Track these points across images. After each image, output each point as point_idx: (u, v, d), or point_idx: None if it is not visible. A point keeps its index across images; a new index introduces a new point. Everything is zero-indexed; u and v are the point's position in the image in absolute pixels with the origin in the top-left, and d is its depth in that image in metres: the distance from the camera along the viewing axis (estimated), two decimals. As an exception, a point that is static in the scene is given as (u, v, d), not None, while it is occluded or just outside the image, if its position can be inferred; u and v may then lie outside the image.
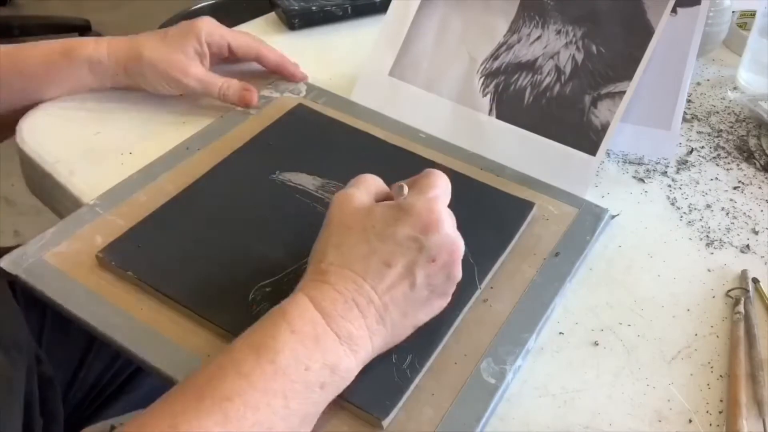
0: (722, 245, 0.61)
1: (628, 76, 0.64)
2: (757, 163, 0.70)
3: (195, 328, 0.51)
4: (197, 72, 0.69)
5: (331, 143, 0.67)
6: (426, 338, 0.50)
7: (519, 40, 0.69)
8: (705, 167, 0.69)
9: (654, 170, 0.68)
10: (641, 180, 0.68)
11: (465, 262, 0.55)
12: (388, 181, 0.51)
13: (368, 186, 0.50)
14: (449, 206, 0.49)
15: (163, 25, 1.07)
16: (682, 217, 0.64)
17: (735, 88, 0.80)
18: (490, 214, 0.60)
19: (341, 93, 0.74)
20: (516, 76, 0.68)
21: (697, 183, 0.67)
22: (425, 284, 0.46)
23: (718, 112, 0.77)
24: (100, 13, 2.41)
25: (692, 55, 0.66)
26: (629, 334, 0.53)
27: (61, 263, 0.55)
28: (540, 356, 0.52)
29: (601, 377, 0.51)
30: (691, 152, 0.71)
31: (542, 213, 0.61)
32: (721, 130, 0.74)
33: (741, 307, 0.54)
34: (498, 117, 0.68)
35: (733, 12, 0.83)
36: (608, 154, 0.70)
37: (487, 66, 0.69)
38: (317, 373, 0.42)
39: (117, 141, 0.69)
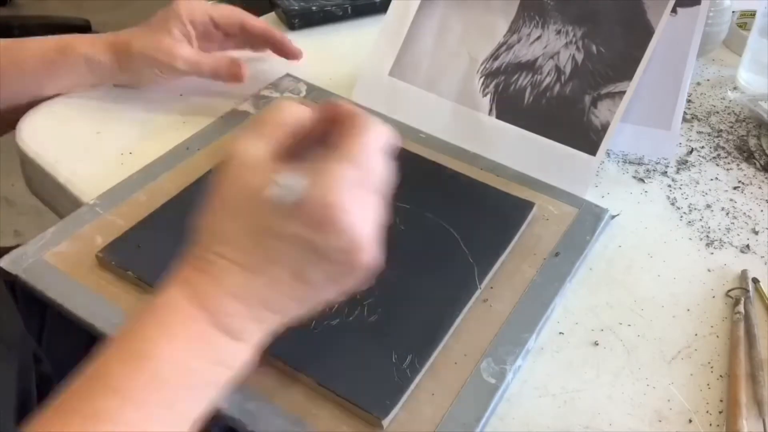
0: (722, 245, 0.61)
1: (628, 76, 0.64)
2: (757, 163, 0.70)
3: (195, 328, 0.51)
4: (185, 53, 0.69)
5: (331, 143, 0.67)
6: (426, 338, 0.50)
7: (519, 40, 0.69)
8: (705, 167, 0.69)
9: (654, 170, 0.69)
10: (641, 180, 0.68)
11: (465, 262, 0.55)
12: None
13: (270, 135, 0.41)
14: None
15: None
16: (682, 217, 0.64)
17: (735, 88, 0.80)
18: (490, 214, 0.60)
19: (341, 93, 0.74)
20: (516, 76, 0.68)
21: (697, 183, 0.67)
22: (321, 279, 0.41)
23: (718, 112, 0.77)
24: (100, 13, 2.41)
25: (692, 55, 0.66)
26: (629, 334, 0.53)
27: (61, 263, 0.55)
28: (540, 356, 0.52)
29: (601, 377, 0.51)
30: (691, 152, 0.71)
31: (542, 213, 0.61)
32: (721, 130, 0.74)
33: (741, 307, 0.54)
34: (498, 117, 0.68)
35: (733, 12, 0.83)
36: (608, 154, 0.70)
37: (487, 66, 0.69)
38: (206, 372, 0.39)
39: (117, 141, 0.69)
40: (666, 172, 0.68)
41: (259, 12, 0.90)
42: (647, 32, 0.64)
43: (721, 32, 0.83)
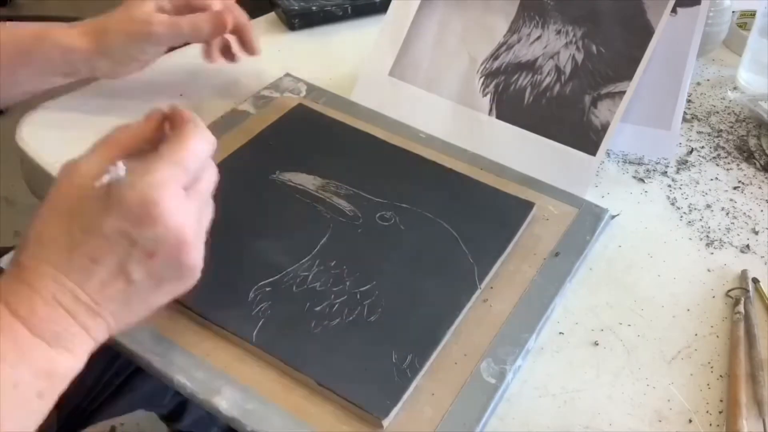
0: (722, 245, 0.61)
1: (628, 76, 0.64)
2: (757, 163, 0.70)
3: (195, 328, 0.51)
4: (161, 18, 0.66)
5: (331, 143, 0.67)
6: (426, 338, 0.50)
7: (519, 40, 0.69)
8: (705, 167, 0.69)
9: (654, 170, 0.69)
10: (641, 180, 0.68)
11: (465, 262, 0.55)
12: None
13: (105, 149, 0.42)
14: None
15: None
16: (682, 217, 0.64)
17: (735, 88, 0.80)
18: (490, 214, 0.60)
19: (341, 93, 0.74)
20: (516, 76, 0.68)
21: (697, 183, 0.67)
22: (147, 278, 0.41)
23: (718, 112, 0.77)
24: (100, 14, 2.41)
25: (692, 55, 0.66)
26: (629, 334, 0.53)
27: (61, 263, 0.55)
28: (540, 356, 0.52)
29: (601, 377, 0.51)
30: (691, 152, 0.71)
31: (542, 213, 0.61)
32: (721, 130, 0.74)
33: (741, 307, 0.54)
34: (498, 117, 0.68)
35: (733, 12, 0.83)
36: (608, 154, 0.70)
37: (487, 66, 0.69)
38: (30, 385, 0.38)
39: (117, 141, 0.69)
40: (666, 172, 0.68)
41: (259, 12, 0.90)
42: (647, 32, 0.64)
43: (721, 32, 0.83)
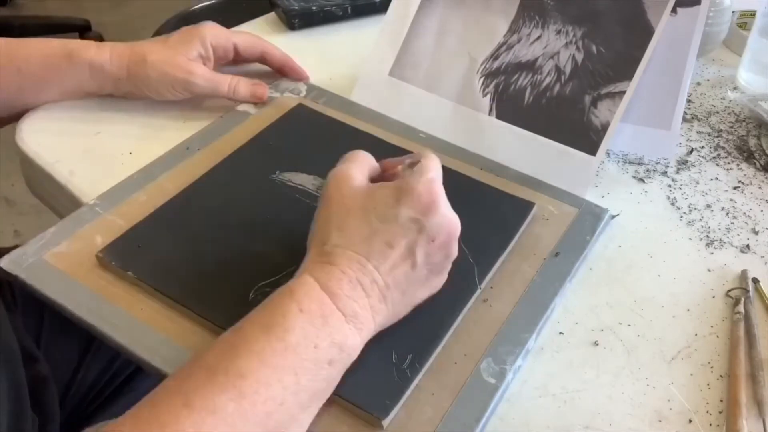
0: (722, 245, 0.61)
1: (628, 76, 0.64)
2: (757, 163, 0.70)
3: (195, 328, 0.52)
4: (203, 71, 0.69)
5: (331, 143, 0.67)
6: (426, 338, 0.50)
7: (519, 40, 0.69)
8: (705, 167, 0.69)
9: (654, 170, 0.69)
10: (641, 180, 0.68)
11: (465, 262, 0.55)
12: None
13: (362, 163, 0.51)
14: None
15: (163, 25, 1.07)
16: (682, 217, 0.64)
17: (735, 88, 0.80)
18: (490, 214, 0.60)
19: (341, 93, 0.74)
20: (516, 76, 0.68)
21: (697, 183, 0.67)
22: (425, 263, 0.48)
23: (718, 112, 0.77)
24: (100, 13, 2.41)
25: (692, 55, 0.66)
26: (629, 334, 0.53)
27: (61, 263, 0.55)
28: (540, 356, 0.52)
29: (601, 377, 0.51)
30: (691, 152, 0.71)
31: (542, 213, 0.61)
32: (721, 130, 0.74)
33: (741, 307, 0.54)
34: (498, 117, 0.68)
35: (733, 12, 0.83)
36: (608, 154, 0.70)
37: (487, 66, 0.69)
38: (326, 351, 0.43)
39: (117, 141, 0.69)
40: (666, 172, 0.68)
41: (259, 12, 0.91)
42: (647, 32, 0.64)
43: (721, 32, 0.83)
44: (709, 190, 0.67)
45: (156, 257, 0.55)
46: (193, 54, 0.69)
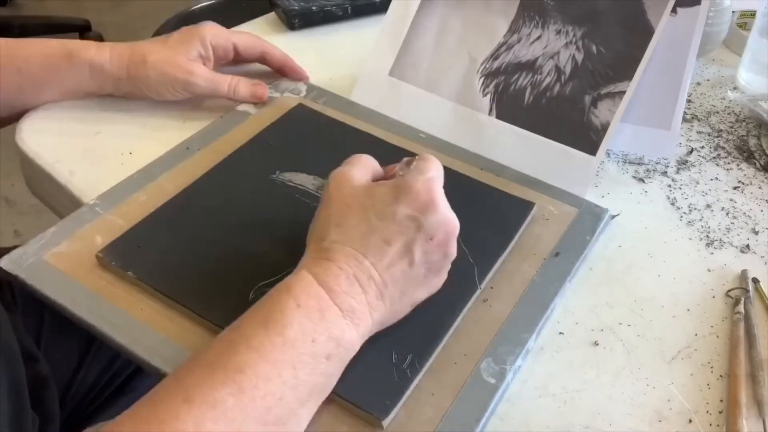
0: (722, 245, 0.61)
1: (628, 76, 0.64)
2: (757, 163, 0.70)
3: (195, 328, 0.52)
4: (203, 72, 0.69)
5: (331, 143, 0.67)
6: (426, 338, 0.50)
7: (519, 40, 0.69)
8: (705, 167, 0.69)
9: (654, 170, 0.69)
10: (641, 180, 0.68)
11: (465, 262, 0.55)
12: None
13: (365, 166, 0.51)
14: (449, 204, 0.49)
15: (163, 25, 1.07)
16: (682, 217, 0.64)
17: (735, 88, 0.80)
18: (490, 214, 0.60)
19: (341, 93, 0.74)
20: (516, 76, 0.68)
21: (697, 183, 0.67)
22: (423, 262, 0.48)
23: (718, 112, 0.77)
24: (100, 13, 2.41)
25: (692, 55, 0.66)
26: (629, 334, 0.53)
27: (61, 263, 0.55)
28: (540, 356, 0.52)
29: (601, 377, 0.51)
30: (691, 152, 0.71)
31: (542, 213, 0.61)
32: (721, 130, 0.74)
33: (741, 307, 0.54)
34: (498, 117, 0.68)
35: (733, 12, 0.83)
36: (608, 154, 0.70)
37: (487, 66, 0.69)
38: (323, 345, 0.43)
39: (117, 141, 0.69)
40: (666, 172, 0.68)
41: (259, 12, 0.91)
42: (647, 32, 0.64)
43: (721, 32, 0.83)
44: (709, 190, 0.67)
45: (156, 257, 0.55)
46: (193, 54, 0.69)
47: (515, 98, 0.68)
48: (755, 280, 0.57)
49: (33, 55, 0.68)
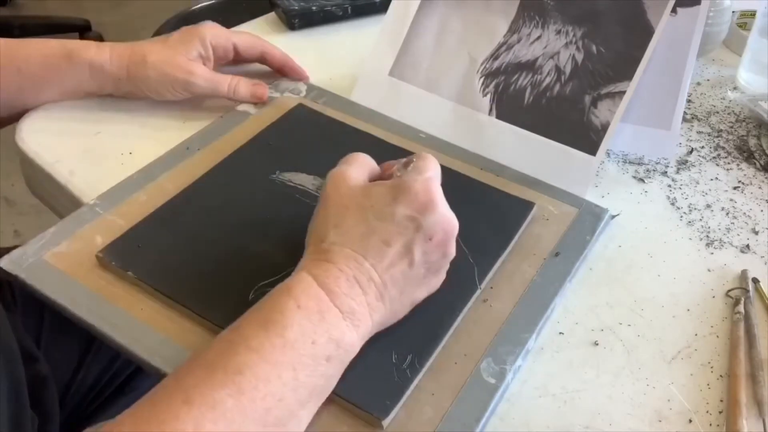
0: (722, 245, 0.61)
1: (628, 76, 0.64)
2: (757, 163, 0.70)
3: (195, 328, 0.52)
4: (203, 72, 0.69)
5: (331, 143, 0.67)
6: (426, 338, 0.50)
7: (519, 40, 0.69)
8: (705, 167, 0.69)
9: (654, 170, 0.69)
10: (641, 180, 0.68)
11: (465, 262, 0.55)
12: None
13: (361, 165, 0.51)
14: (449, 206, 0.49)
15: (163, 25, 1.07)
16: (682, 217, 0.64)
17: (735, 88, 0.80)
18: (490, 214, 0.60)
19: (341, 93, 0.74)
20: (516, 76, 0.68)
21: (697, 183, 0.67)
22: (422, 262, 0.48)
23: (718, 112, 0.77)
24: (100, 13, 2.41)
25: (692, 55, 0.66)
26: (629, 334, 0.53)
27: (61, 263, 0.55)
28: (540, 356, 0.52)
29: (601, 377, 0.51)
30: (691, 152, 0.71)
31: (542, 213, 0.61)
32: (721, 130, 0.74)
33: (741, 307, 0.54)
34: (498, 117, 0.68)
35: (733, 12, 0.83)
36: (608, 154, 0.70)
37: (487, 66, 0.69)
38: (323, 347, 0.43)
39: (117, 141, 0.69)
40: (666, 172, 0.68)
41: (259, 12, 0.91)
42: (647, 32, 0.64)
43: (721, 32, 0.83)
44: (709, 190, 0.67)
45: (156, 257, 0.55)
46: (193, 54, 0.69)
47: (515, 98, 0.68)
48: (755, 280, 0.57)
49: (33, 55, 0.68)
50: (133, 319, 0.52)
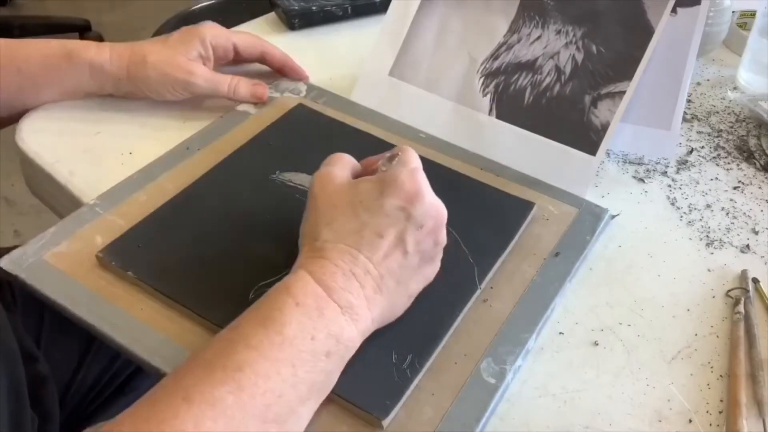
0: (722, 245, 0.61)
1: (628, 76, 0.64)
2: (757, 163, 0.70)
3: (195, 328, 0.52)
4: (203, 71, 0.69)
5: (331, 143, 0.67)
6: (426, 338, 0.50)
7: (519, 40, 0.69)
8: (705, 167, 0.69)
9: (654, 170, 0.69)
10: (641, 180, 0.68)
11: (465, 262, 0.55)
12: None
13: (344, 163, 0.52)
14: (449, 205, 0.49)
15: (163, 25, 1.07)
16: (682, 217, 0.64)
17: (735, 88, 0.80)
18: (490, 214, 0.60)
19: (341, 93, 0.74)
20: (516, 76, 0.68)
21: (697, 183, 0.67)
22: (416, 251, 0.48)
23: (718, 112, 0.77)
24: (100, 13, 2.41)
25: (692, 55, 0.66)
26: (629, 334, 0.53)
27: (61, 263, 0.55)
28: (540, 356, 0.52)
29: (601, 377, 0.51)
30: (691, 152, 0.71)
31: (542, 213, 0.61)
32: (721, 130, 0.74)
33: (741, 307, 0.54)
34: (498, 117, 0.68)
35: (733, 12, 0.83)
36: (608, 154, 0.70)
37: (487, 66, 0.69)
38: (322, 343, 0.44)
39: (117, 141, 0.69)
40: (666, 172, 0.68)
41: (259, 12, 0.91)
42: (647, 32, 0.64)
43: (721, 32, 0.83)
44: (709, 190, 0.67)
45: (156, 257, 0.55)
46: (193, 54, 0.69)
47: (515, 98, 0.68)
48: (755, 280, 0.57)
49: (33, 55, 0.68)
50: (133, 319, 0.52)
